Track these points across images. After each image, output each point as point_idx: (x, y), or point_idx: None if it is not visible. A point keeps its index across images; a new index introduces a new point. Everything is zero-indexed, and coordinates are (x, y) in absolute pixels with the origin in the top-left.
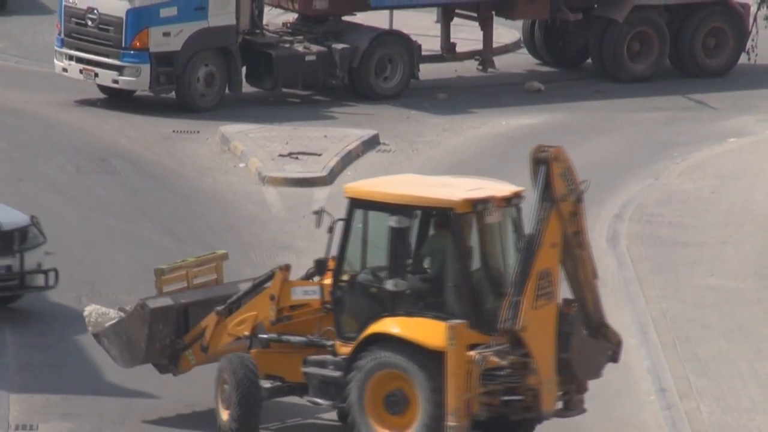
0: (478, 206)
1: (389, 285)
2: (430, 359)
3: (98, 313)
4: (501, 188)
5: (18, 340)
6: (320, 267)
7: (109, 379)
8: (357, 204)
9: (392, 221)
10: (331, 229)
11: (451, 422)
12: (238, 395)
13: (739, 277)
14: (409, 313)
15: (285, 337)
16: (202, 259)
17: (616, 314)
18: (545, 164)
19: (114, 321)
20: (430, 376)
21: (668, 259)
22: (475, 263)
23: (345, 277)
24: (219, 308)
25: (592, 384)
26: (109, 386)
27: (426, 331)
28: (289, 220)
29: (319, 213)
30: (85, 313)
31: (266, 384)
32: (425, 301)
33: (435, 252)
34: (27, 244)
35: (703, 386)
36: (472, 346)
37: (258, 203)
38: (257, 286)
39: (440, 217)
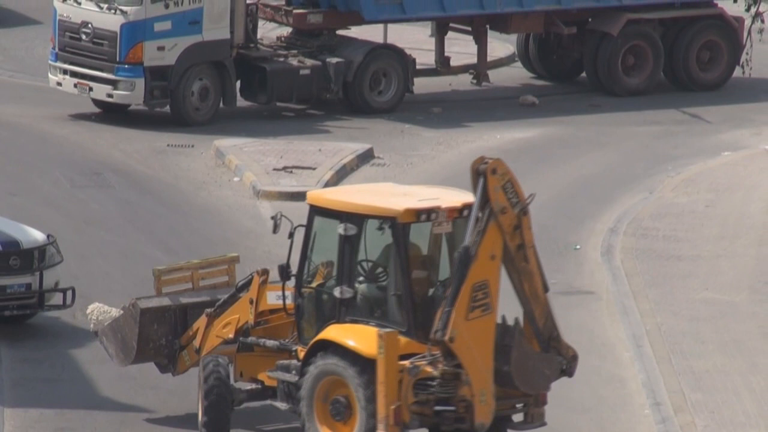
0: (421, 216)
1: (336, 292)
2: (367, 367)
3: (100, 311)
4: (453, 199)
5: (12, 354)
6: (282, 272)
7: (104, 393)
8: (316, 211)
9: (340, 229)
10: (291, 235)
11: (381, 430)
12: (207, 395)
13: (733, 291)
14: (355, 321)
15: (262, 341)
16: (209, 261)
17: (611, 328)
18: (483, 176)
19: (112, 319)
20: (366, 384)
21: (663, 273)
22: (422, 273)
23: (304, 283)
24: (209, 310)
25: (587, 397)
26: (104, 400)
27: (361, 338)
28: (284, 234)
29: (275, 218)
30: (88, 311)
31: (246, 387)
32: (372, 309)
33: (381, 261)
34: (45, 263)
35: (698, 400)
36: (410, 356)
37: (253, 217)
38: (239, 290)
39: (384, 226)
